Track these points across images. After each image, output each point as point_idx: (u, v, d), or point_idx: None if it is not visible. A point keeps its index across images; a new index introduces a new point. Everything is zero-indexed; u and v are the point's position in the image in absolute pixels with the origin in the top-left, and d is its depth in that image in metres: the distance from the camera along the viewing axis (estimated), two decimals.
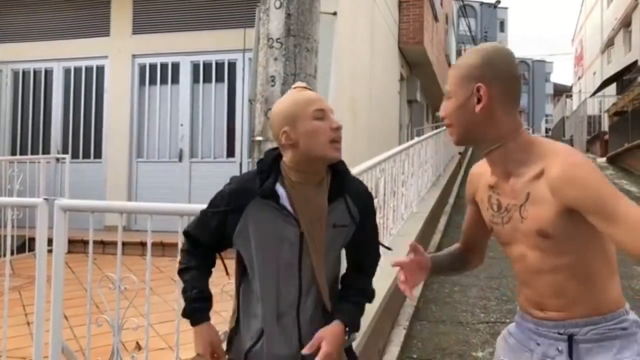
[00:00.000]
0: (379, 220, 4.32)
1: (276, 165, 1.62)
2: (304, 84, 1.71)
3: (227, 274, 1.89)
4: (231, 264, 1.77)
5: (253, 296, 1.64)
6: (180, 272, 1.72)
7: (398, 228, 5.41)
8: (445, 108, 1.47)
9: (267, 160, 1.63)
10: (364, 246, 1.74)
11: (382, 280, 3.96)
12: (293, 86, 1.69)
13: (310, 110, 1.57)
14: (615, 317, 1.41)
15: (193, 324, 1.67)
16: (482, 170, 1.59)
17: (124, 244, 2.70)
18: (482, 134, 1.43)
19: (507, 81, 1.40)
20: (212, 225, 1.65)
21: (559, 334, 1.41)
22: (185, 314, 1.68)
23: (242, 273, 1.68)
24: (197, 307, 1.66)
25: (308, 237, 1.58)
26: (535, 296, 1.46)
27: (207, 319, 1.67)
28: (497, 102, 1.39)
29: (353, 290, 1.72)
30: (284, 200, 1.59)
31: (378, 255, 1.82)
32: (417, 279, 1.64)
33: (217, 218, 1.64)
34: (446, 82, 1.48)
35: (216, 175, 7.08)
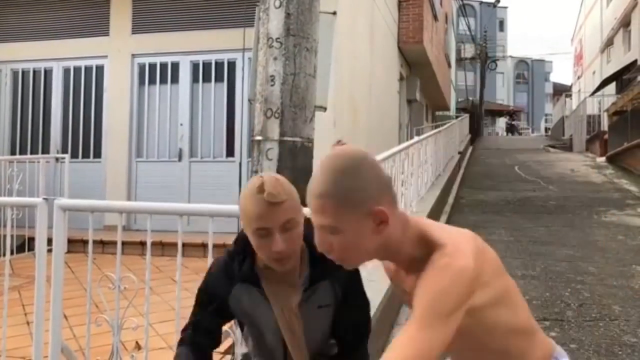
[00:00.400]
0: None
1: (250, 247, 1.55)
2: (260, 185, 1.50)
3: None
4: None
5: None
6: (179, 343, 1.74)
7: None
8: (332, 244, 1.20)
9: (240, 241, 1.60)
10: (347, 323, 1.66)
11: (381, 280, 3.96)
12: (259, 185, 1.50)
13: (253, 227, 1.48)
14: None
15: None
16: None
17: (123, 243, 2.70)
18: (373, 256, 1.24)
19: (387, 186, 1.22)
20: (201, 313, 1.68)
21: None
22: None
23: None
24: None
25: (280, 322, 1.56)
26: None
27: None
28: (391, 215, 1.19)
29: None
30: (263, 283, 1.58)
31: (366, 333, 1.74)
32: None
33: (206, 308, 1.66)
34: (319, 214, 1.20)
35: (216, 174, 7.10)
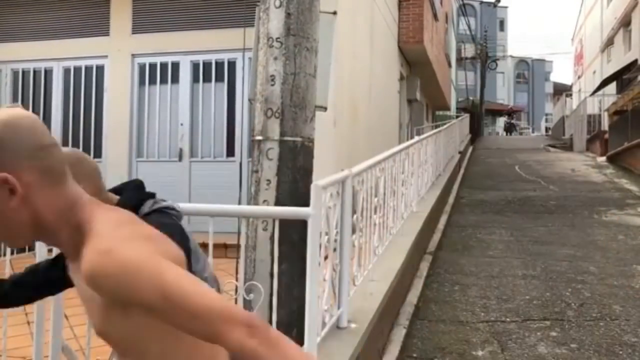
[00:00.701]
0: (379, 219, 4.34)
1: None
2: None
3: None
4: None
5: None
6: None
7: (398, 227, 5.41)
8: None
9: None
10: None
11: (382, 280, 3.96)
12: None
13: None
14: None
15: None
16: None
17: None
18: (29, 231, 1.09)
19: (38, 156, 1.05)
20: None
21: None
22: None
23: None
24: None
25: None
26: None
27: None
28: (36, 186, 1.05)
29: None
30: None
31: None
32: None
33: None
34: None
35: (216, 174, 7.10)
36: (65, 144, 7.72)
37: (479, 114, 30.31)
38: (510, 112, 43.69)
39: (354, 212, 3.35)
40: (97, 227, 1.04)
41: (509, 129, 40.36)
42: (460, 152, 15.35)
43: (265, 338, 0.93)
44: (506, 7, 55.39)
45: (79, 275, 1.06)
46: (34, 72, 7.97)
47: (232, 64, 7.23)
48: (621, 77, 20.07)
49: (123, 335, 1.10)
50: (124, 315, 1.05)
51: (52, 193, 1.07)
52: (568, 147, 21.92)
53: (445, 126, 12.14)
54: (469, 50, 33.99)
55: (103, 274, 0.96)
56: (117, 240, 1.00)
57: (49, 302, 2.49)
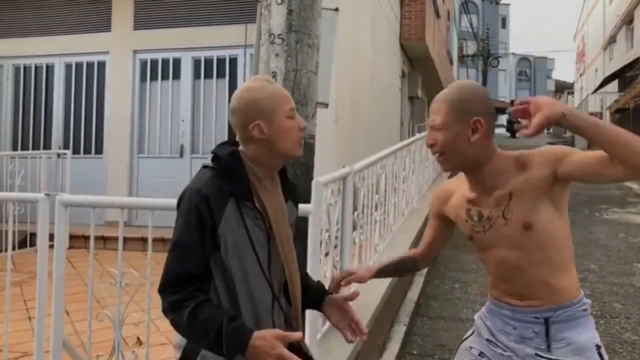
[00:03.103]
0: (379, 216, 4.33)
1: (239, 162, 1.50)
2: (268, 77, 1.67)
3: None
4: None
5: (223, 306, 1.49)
6: (189, 319, 1.38)
7: (399, 224, 5.42)
8: (436, 139, 1.62)
9: (229, 158, 1.50)
10: (298, 244, 1.71)
11: (382, 279, 3.96)
12: (257, 78, 1.61)
13: (287, 108, 1.51)
14: (580, 300, 1.67)
15: (243, 347, 1.34)
16: (450, 189, 1.83)
17: (125, 239, 2.70)
18: (473, 159, 1.63)
19: (492, 114, 1.63)
20: (202, 249, 1.43)
21: (535, 318, 1.64)
22: (230, 343, 1.35)
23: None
24: (237, 326, 1.37)
25: (277, 234, 1.51)
26: (515, 289, 1.68)
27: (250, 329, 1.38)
28: (487, 132, 1.61)
29: (306, 275, 1.79)
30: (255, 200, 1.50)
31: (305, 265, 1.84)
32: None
33: (204, 236, 1.43)
34: (434, 113, 1.63)
35: None
36: (66, 139, 7.73)
37: None
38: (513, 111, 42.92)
39: (354, 209, 3.36)
40: (523, 151, 1.64)
41: (513, 130, 34.71)
42: None
43: None
44: (508, 4, 55.21)
45: (487, 199, 1.65)
46: (36, 67, 7.96)
47: (233, 61, 7.22)
48: (623, 75, 20.03)
49: (542, 223, 1.59)
50: (547, 205, 1.59)
51: (490, 140, 1.63)
52: (569, 144, 21.90)
53: None
54: (471, 48, 33.92)
55: (553, 149, 1.59)
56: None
57: (50, 297, 2.50)
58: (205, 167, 1.54)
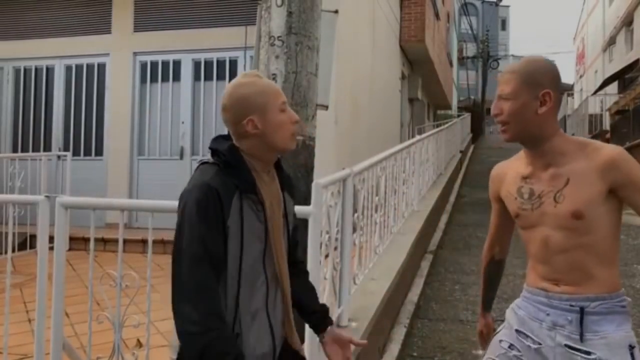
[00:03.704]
0: (379, 218, 4.33)
1: (240, 156, 1.53)
2: (258, 72, 1.68)
3: None
4: None
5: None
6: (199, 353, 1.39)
7: (399, 226, 5.41)
8: (502, 108, 1.65)
9: (229, 152, 1.52)
10: (297, 237, 1.74)
11: (382, 278, 3.96)
12: (247, 73, 1.60)
13: (279, 102, 1.53)
14: (619, 296, 1.66)
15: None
16: (504, 169, 1.83)
17: (125, 241, 2.70)
18: (536, 132, 1.64)
19: (560, 90, 1.66)
20: (216, 244, 1.44)
21: (571, 306, 1.63)
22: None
23: None
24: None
25: (271, 228, 1.53)
26: (552, 273, 1.67)
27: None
28: (554, 107, 1.64)
29: (313, 292, 1.78)
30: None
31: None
32: None
33: (217, 230, 1.44)
34: (503, 84, 1.66)
35: None
36: (66, 141, 7.73)
37: (481, 113, 30.26)
38: None
39: (354, 210, 3.35)
40: (590, 141, 1.67)
41: None
42: (461, 151, 15.34)
43: None
44: (508, 6, 55.33)
45: (542, 175, 1.67)
46: (36, 69, 7.97)
47: (233, 63, 7.22)
48: (623, 77, 20.03)
49: (596, 214, 1.59)
50: (605, 199, 1.59)
51: (556, 115, 1.67)
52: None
53: (446, 125, 12.14)
54: (471, 50, 33.95)
55: (621, 163, 1.57)
56: (622, 149, 1.64)
57: (50, 299, 2.50)
58: (204, 163, 1.56)
